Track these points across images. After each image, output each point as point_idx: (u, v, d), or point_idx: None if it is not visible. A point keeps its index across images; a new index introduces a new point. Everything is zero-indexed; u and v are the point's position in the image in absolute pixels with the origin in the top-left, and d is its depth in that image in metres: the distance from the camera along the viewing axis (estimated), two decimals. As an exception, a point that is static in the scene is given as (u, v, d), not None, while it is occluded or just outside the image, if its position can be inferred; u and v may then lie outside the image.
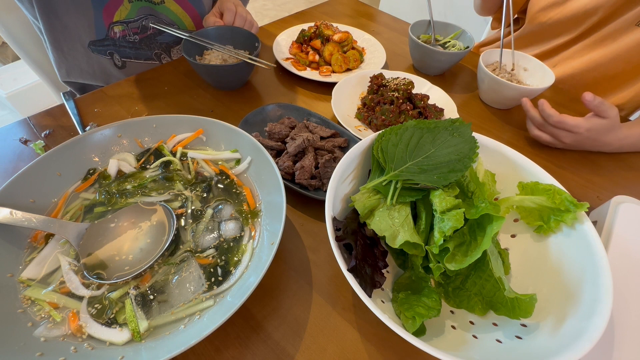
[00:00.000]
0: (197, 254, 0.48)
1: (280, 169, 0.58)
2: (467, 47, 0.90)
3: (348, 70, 0.90)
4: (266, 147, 0.60)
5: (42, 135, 0.68)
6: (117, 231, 0.49)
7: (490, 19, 1.14)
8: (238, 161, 0.58)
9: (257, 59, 0.75)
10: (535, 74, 0.83)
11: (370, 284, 0.41)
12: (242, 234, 0.50)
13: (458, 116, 0.73)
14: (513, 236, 0.50)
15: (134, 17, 0.86)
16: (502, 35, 0.82)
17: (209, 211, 0.52)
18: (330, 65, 0.89)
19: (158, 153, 0.58)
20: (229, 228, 0.51)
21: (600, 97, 0.65)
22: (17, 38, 0.91)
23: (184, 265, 0.47)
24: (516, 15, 1.04)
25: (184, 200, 0.54)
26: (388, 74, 0.80)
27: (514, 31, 1.03)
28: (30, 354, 0.38)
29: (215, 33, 0.82)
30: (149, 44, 0.92)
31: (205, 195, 0.54)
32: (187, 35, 0.77)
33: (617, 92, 0.91)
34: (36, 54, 0.95)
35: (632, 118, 0.92)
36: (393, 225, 0.44)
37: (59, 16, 0.79)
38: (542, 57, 0.96)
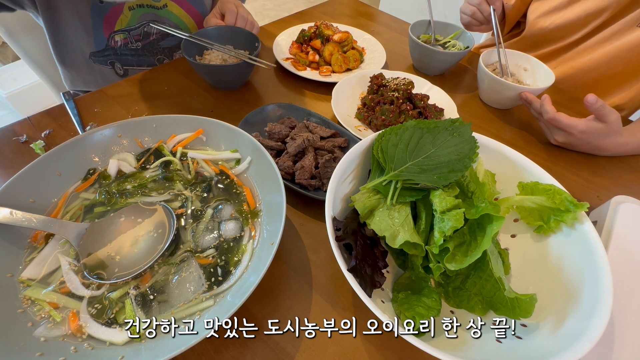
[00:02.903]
0: (197, 254, 0.48)
1: (280, 169, 0.58)
2: (467, 47, 0.90)
3: (348, 70, 0.90)
4: (266, 147, 0.60)
5: (42, 135, 0.68)
6: (117, 231, 0.49)
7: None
8: (238, 161, 0.58)
9: (257, 59, 0.75)
10: (535, 74, 0.83)
11: (370, 284, 0.41)
12: (242, 234, 0.50)
13: (458, 116, 0.73)
14: (513, 236, 0.50)
15: (135, 24, 0.86)
16: (496, 32, 0.83)
17: (209, 211, 0.52)
18: (330, 65, 0.89)
19: (158, 153, 0.58)
20: (229, 228, 0.51)
21: (602, 101, 0.64)
22: (17, 38, 0.91)
23: (184, 265, 0.47)
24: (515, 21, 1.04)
25: (184, 200, 0.54)
26: (388, 74, 0.80)
27: (515, 35, 1.03)
28: (30, 354, 0.38)
29: (215, 33, 0.82)
30: (151, 50, 0.92)
31: (205, 195, 0.54)
32: (187, 35, 0.77)
33: (617, 92, 0.91)
34: (36, 54, 0.95)
35: (632, 118, 0.92)
36: (393, 225, 0.44)
37: (61, 29, 0.80)
38: (543, 59, 0.96)
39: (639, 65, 0.84)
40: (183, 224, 0.51)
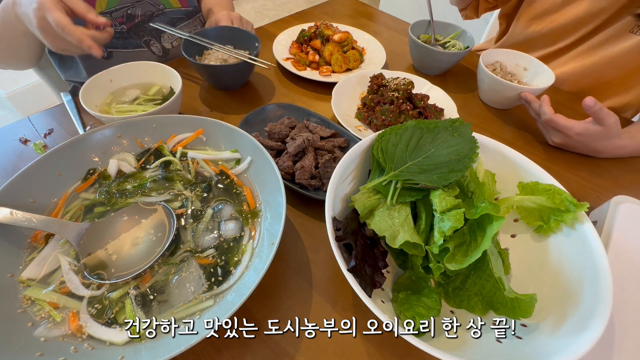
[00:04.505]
0: (197, 254, 0.48)
1: (280, 169, 0.58)
2: (467, 47, 0.90)
3: (348, 70, 0.90)
4: (266, 147, 0.60)
5: (42, 135, 0.68)
6: (117, 231, 0.49)
7: (490, 19, 1.13)
8: (238, 161, 0.58)
9: (257, 59, 0.75)
10: (535, 74, 0.83)
11: (370, 284, 0.41)
12: (242, 234, 0.50)
13: (458, 116, 0.73)
14: (513, 236, 0.50)
15: (115, 5, 0.84)
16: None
17: (209, 211, 0.52)
18: (330, 65, 0.89)
19: (158, 153, 0.58)
20: (229, 228, 0.51)
21: (601, 104, 0.63)
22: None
23: (184, 265, 0.47)
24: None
25: (184, 200, 0.53)
26: (388, 74, 0.80)
27: (500, 36, 1.02)
28: (30, 354, 0.38)
29: (215, 33, 0.82)
30: (137, 32, 0.90)
31: (205, 195, 0.54)
32: (188, 35, 0.77)
33: (611, 98, 0.90)
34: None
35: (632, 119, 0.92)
36: (393, 225, 0.44)
37: None
38: None
39: (634, 72, 0.84)
40: (183, 223, 0.51)
